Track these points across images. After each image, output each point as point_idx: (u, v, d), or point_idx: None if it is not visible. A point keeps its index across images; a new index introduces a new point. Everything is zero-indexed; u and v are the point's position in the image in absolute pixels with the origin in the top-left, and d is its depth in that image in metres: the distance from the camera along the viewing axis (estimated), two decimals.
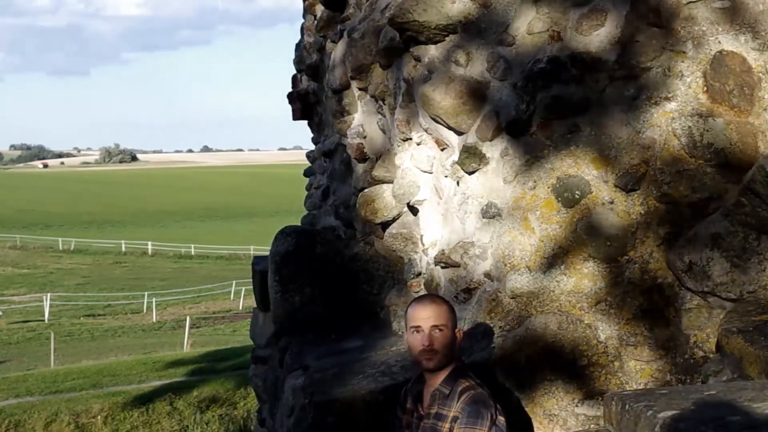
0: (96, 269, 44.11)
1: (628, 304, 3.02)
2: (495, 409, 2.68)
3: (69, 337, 25.91)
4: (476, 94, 3.28)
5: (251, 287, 5.52)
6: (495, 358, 3.06)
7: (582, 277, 3.07)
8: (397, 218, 3.99)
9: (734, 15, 3.03)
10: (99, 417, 13.69)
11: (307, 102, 5.75)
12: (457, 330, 2.83)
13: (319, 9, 5.11)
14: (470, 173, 3.34)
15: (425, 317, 2.76)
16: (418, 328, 2.76)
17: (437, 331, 2.75)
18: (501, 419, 2.68)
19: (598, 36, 3.10)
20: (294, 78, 6.16)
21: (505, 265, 3.18)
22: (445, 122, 3.37)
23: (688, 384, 2.87)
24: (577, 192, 3.09)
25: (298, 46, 5.92)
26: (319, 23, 5.07)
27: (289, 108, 5.98)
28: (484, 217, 3.28)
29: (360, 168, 4.28)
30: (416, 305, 2.85)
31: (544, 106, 3.14)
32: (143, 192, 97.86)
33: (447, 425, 2.69)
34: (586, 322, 3.04)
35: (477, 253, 3.31)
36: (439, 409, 2.73)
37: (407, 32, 3.45)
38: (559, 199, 3.11)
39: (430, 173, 3.69)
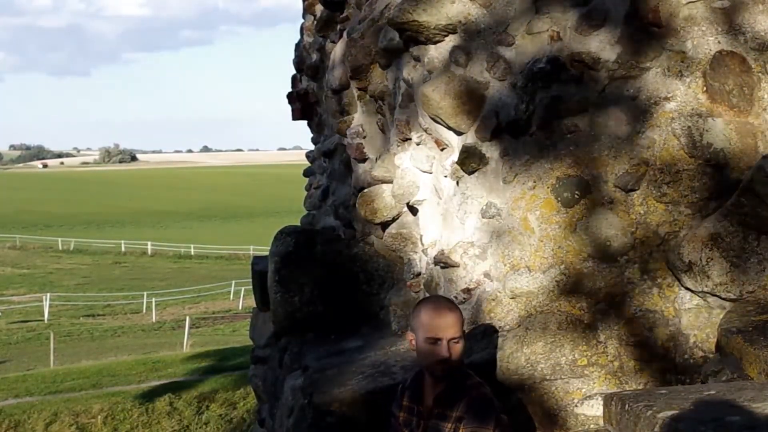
0: (96, 269, 44.11)
1: (628, 304, 3.02)
2: (498, 407, 2.70)
3: (69, 337, 25.91)
4: (476, 94, 3.28)
5: (251, 287, 5.52)
6: (495, 358, 3.06)
7: (582, 277, 3.07)
8: (397, 218, 3.99)
9: (734, 15, 3.03)
10: (99, 417, 13.71)
11: (306, 102, 5.75)
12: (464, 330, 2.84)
13: (319, 9, 5.11)
14: (470, 173, 3.34)
15: (444, 328, 2.69)
16: (436, 340, 2.69)
17: (455, 341, 2.70)
18: (504, 417, 2.69)
19: (597, 36, 3.10)
20: (294, 78, 6.16)
21: (505, 265, 3.18)
22: (444, 122, 3.37)
23: (688, 384, 2.87)
24: (577, 192, 3.09)
25: (297, 46, 5.92)
26: (319, 23, 5.08)
27: (288, 108, 5.98)
28: (483, 217, 3.28)
29: (360, 168, 4.28)
30: (433, 313, 2.75)
31: (543, 106, 3.14)
32: (143, 192, 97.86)
33: (451, 425, 2.69)
34: (586, 322, 3.04)
35: (476, 253, 3.31)
36: (443, 410, 2.73)
37: (407, 32, 3.45)
38: (559, 199, 3.11)
39: (430, 173, 3.69)
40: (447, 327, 2.70)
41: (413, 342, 2.82)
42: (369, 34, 3.93)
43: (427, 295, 3.63)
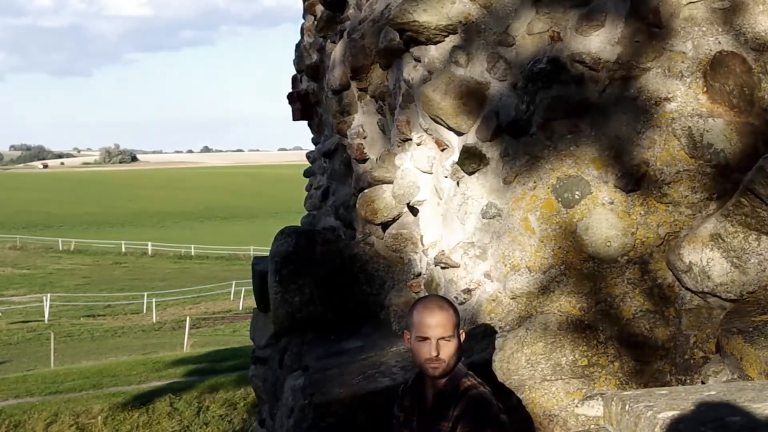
0: (96, 270, 44.07)
1: (628, 304, 3.02)
2: (497, 407, 2.68)
3: (69, 337, 25.89)
4: (476, 95, 3.29)
5: (251, 288, 5.52)
6: (495, 359, 3.05)
7: (582, 278, 3.07)
8: (397, 219, 3.99)
9: (734, 15, 3.03)
10: (99, 417, 13.70)
11: (307, 102, 5.75)
12: (459, 331, 2.82)
13: (320, 9, 5.12)
14: (470, 174, 3.34)
15: (433, 327, 2.68)
16: (425, 338, 2.69)
17: (444, 341, 2.68)
18: (503, 417, 2.68)
19: (598, 36, 3.10)
20: (294, 78, 6.16)
21: (505, 265, 3.18)
22: (445, 123, 3.37)
23: (688, 384, 2.87)
24: (577, 192, 3.09)
25: (298, 46, 5.93)
26: (319, 23, 5.08)
27: (289, 108, 5.98)
28: (484, 218, 3.28)
29: (360, 168, 4.28)
30: (423, 311, 2.74)
31: (544, 106, 3.14)
32: (143, 192, 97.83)
33: (449, 425, 2.69)
34: (586, 322, 3.04)
35: (477, 253, 3.31)
36: (442, 410, 2.73)
37: (407, 33, 3.45)
38: (559, 199, 3.11)
39: (430, 174, 3.69)
40: (436, 326, 2.69)
41: (408, 340, 2.83)
42: (369, 35, 3.93)
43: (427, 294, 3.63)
